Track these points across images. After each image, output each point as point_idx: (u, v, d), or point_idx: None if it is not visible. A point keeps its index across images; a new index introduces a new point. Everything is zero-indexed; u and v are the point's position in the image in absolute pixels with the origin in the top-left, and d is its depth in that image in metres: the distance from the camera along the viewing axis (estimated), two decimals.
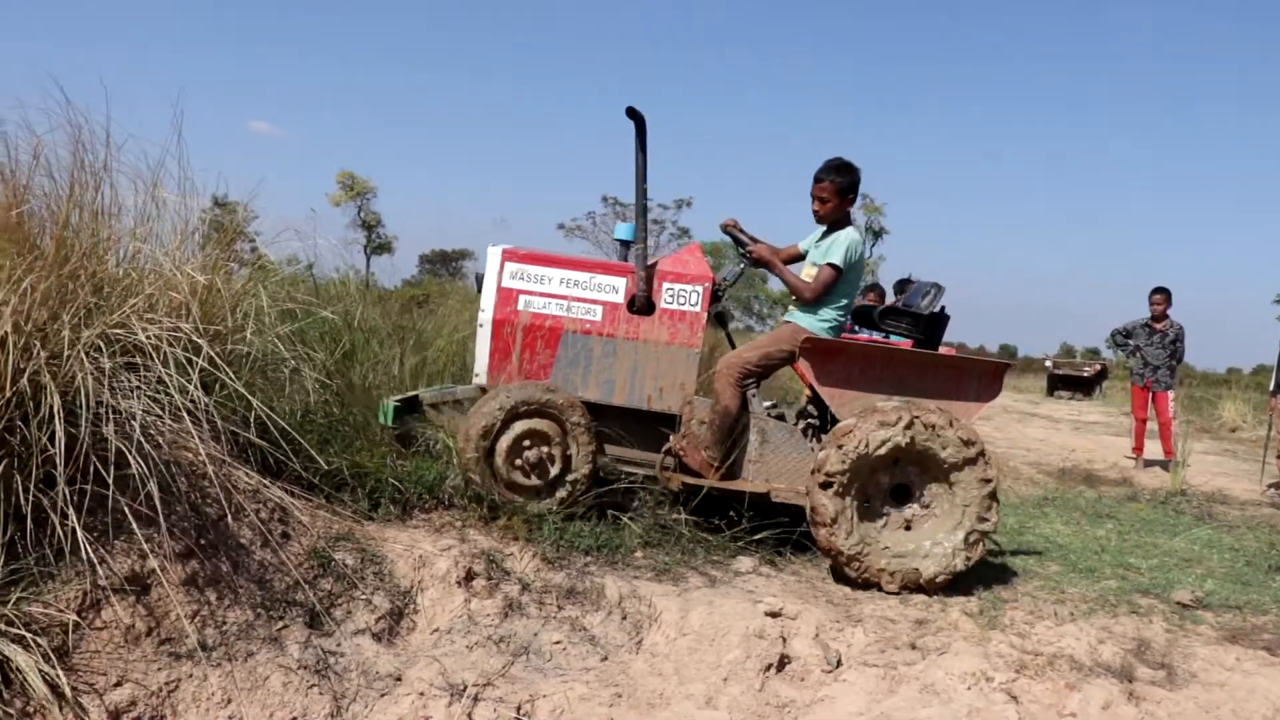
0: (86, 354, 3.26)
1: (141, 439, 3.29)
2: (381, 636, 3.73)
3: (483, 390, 5.12)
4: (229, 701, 3.23)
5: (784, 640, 3.94)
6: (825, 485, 4.72)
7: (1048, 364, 32.97)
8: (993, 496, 4.83)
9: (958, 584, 4.85)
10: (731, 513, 5.09)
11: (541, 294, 5.17)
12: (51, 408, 3.11)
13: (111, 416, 3.24)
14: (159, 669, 3.22)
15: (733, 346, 5.94)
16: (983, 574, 5.14)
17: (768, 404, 6.01)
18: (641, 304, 5.14)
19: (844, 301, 5.31)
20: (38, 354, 3.14)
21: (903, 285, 11.59)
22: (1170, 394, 11.18)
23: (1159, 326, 11.26)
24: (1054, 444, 13.79)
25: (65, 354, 3.28)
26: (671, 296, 5.16)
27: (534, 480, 4.81)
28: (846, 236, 5.22)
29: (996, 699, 3.57)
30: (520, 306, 5.17)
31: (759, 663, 3.78)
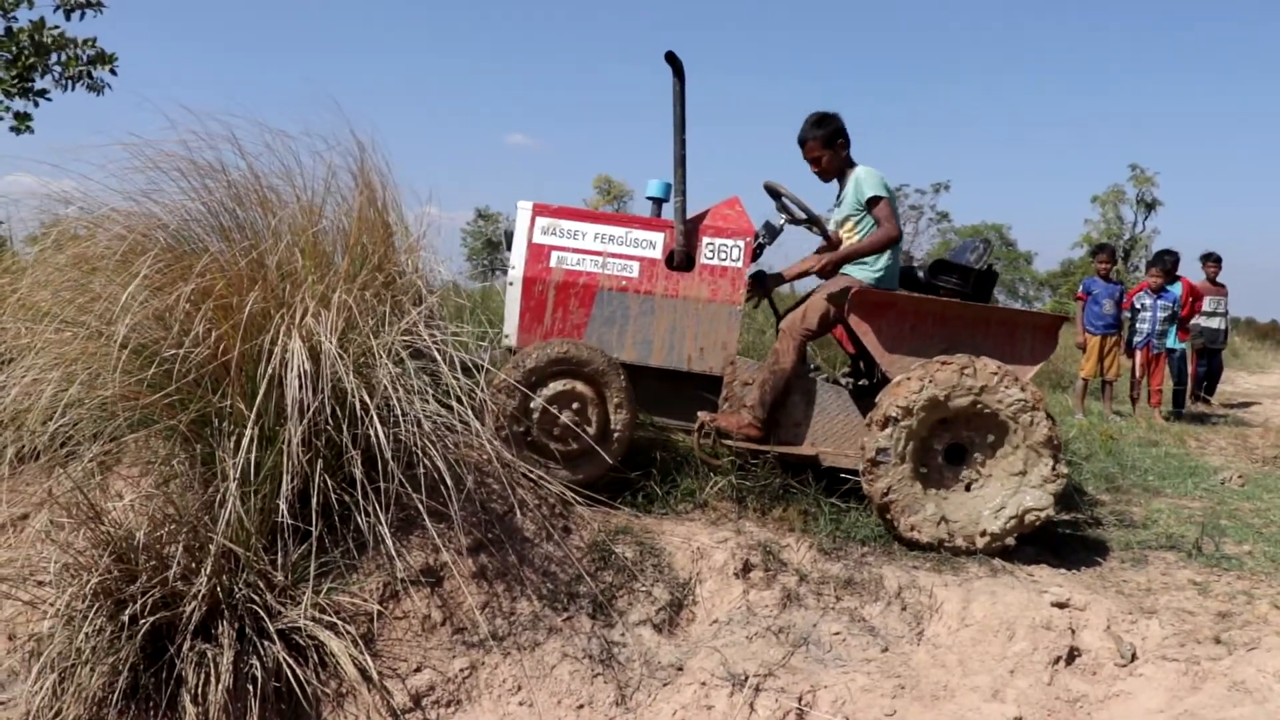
0: (382, 361, 3.48)
1: (433, 438, 3.48)
2: (662, 627, 3.81)
3: (511, 352, 4.80)
4: (519, 689, 3.38)
5: (1073, 632, 3.77)
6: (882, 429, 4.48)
7: None
8: (1055, 460, 4.48)
9: (1261, 574, 4.49)
10: None
11: (575, 250, 4.87)
12: (356, 411, 3.34)
13: (405, 418, 3.44)
14: (454, 657, 3.41)
15: (773, 305, 5.61)
16: None
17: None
18: (680, 260, 4.83)
19: (891, 249, 4.94)
20: (346, 361, 3.37)
21: (1160, 256, 10.92)
22: None
23: None
24: None
25: (367, 361, 3.52)
26: (712, 251, 4.86)
27: (569, 446, 4.55)
28: (865, 171, 4.89)
29: None
30: (553, 263, 4.87)
31: (1047, 655, 3.64)
